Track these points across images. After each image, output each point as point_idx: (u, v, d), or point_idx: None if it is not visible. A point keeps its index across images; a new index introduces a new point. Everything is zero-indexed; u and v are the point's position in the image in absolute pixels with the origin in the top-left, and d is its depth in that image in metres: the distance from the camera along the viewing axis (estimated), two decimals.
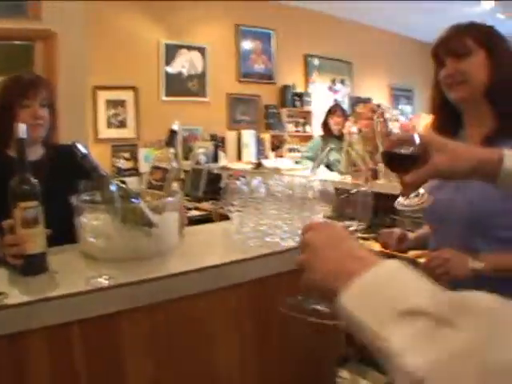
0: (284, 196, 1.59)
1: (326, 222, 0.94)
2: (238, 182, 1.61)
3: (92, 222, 1.30)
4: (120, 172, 6.16)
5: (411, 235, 1.96)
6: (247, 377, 1.48)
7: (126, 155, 6.38)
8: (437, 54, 1.67)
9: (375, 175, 3.58)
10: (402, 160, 1.15)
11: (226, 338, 1.43)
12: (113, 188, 1.31)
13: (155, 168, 1.60)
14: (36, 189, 1.31)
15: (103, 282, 1.23)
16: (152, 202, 1.47)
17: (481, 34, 1.60)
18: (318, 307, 0.97)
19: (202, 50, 7.06)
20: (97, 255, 1.36)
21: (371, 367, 3.83)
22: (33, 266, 1.32)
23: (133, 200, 1.40)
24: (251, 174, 1.68)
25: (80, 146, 1.43)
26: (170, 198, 1.50)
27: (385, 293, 0.65)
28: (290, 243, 1.53)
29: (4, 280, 1.31)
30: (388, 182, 3.38)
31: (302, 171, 4.50)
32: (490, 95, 1.58)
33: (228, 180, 1.61)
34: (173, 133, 1.65)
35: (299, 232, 1.60)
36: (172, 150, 1.65)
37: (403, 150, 1.14)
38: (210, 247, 1.56)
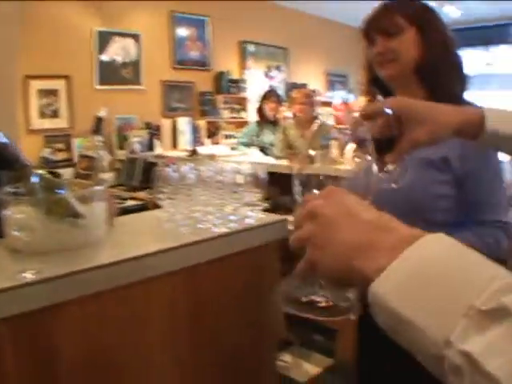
0: (214, 182, 1.57)
1: (337, 188, 0.71)
2: (168, 169, 1.58)
3: (15, 215, 1.26)
4: (52, 163, 5.99)
5: None
6: (181, 363, 1.46)
7: (60, 146, 6.20)
8: (367, 33, 1.65)
9: (311, 159, 3.61)
10: (389, 143, 1.09)
11: (160, 326, 1.41)
12: (35, 179, 1.26)
13: (82, 157, 1.56)
14: None
15: (29, 276, 1.19)
16: (78, 191, 1.43)
17: (412, 11, 1.58)
18: (318, 298, 0.73)
19: (136, 38, 6.93)
20: (22, 249, 1.31)
21: (313, 350, 3.88)
22: None
23: (57, 191, 1.35)
24: (186, 162, 1.66)
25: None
26: (97, 187, 1.46)
27: (446, 282, 0.48)
28: (222, 229, 1.52)
29: None
30: (324, 166, 3.41)
31: (237, 157, 4.50)
32: (421, 73, 1.58)
33: (158, 168, 1.58)
34: (99, 120, 1.61)
35: (231, 217, 1.60)
36: (100, 138, 1.60)
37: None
38: (140, 236, 1.53)
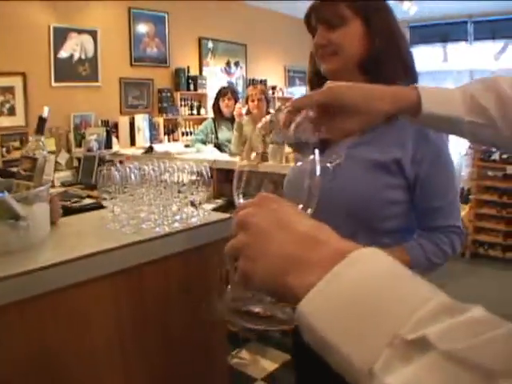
0: (159, 181, 1.58)
1: (268, 195, 0.67)
2: (112, 169, 1.59)
3: None
4: (8, 162, 5.88)
5: None
6: (126, 362, 1.47)
7: (16, 144, 6.10)
8: (309, 23, 1.50)
9: (264, 156, 3.62)
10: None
11: (104, 327, 1.41)
12: None
13: (24, 158, 1.54)
14: None
15: None
16: (19, 193, 1.42)
17: (357, 1, 1.42)
18: (256, 309, 0.69)
19: (93, 34, 6.83)
20: None
21: (270, 346, 3.91)
22: None
23: None
24: (141, 159, 1.65)
25: None
26: (38, 189, 1.46)
27: (373, 305, 0.46)
28: (166, 229, 1.53)
29: None
30: (278, 163, 3.43)
31: (191, 154, 4.49)
32: (365, 67, 1.44)
33: (102, 167, 1.58)
34: (41, 120, 1.60)
35: (175, 217, 1.61)
36: (42, 138, 1.60)
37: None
38: (83, 237, 1.53)
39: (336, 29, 1.41)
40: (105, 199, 1.58)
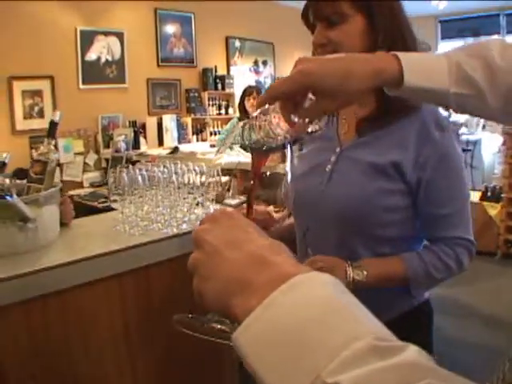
0: (169, 183, 1.60)
1: (226, 210, 0.68)
2: (124, 171, 1.61)
3: None
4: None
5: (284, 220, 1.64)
6: (136, 361, 1.50)
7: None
8: (307, 20, 1.38)
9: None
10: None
11: (111, 326, 1.44)
12: None
13: (35, 161, 1.58)
14: None
15: None
16: (29, 196, 1.46)
17: None
18: (217, 326, 0.70)
19: (119, 36, 6.92)
20: None
21: None
22: None
23: (6, 196, 1.38)
24: (166, 160, 1.67)
25: None
26: (48, 191, 1.49)
27: (301, 340, 0.44)
28: (174, 231, 1.55)
29: None
30: None
31: (216, 154, 4.52)
32: None
33: (113, 170, 1.61)
34: (53, 124, 1.63)
35: (184, 219, 1.63)
36: (53, 142, 1.63)
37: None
38: (93, 238, 1.56)
39: (335, 26, 1.28)
40: (115, 201, 1.61)
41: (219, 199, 1.69)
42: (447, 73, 0.89)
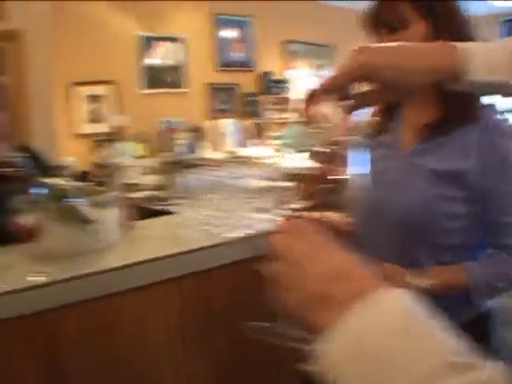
0: (230, 187, 1.59)
1: (302, 220, 0.70)
2: (186, 175, 1.62)
3: (29, 222, 1.31)
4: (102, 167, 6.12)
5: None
6: (192, 364, 1.49)
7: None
8: (369, 25, 1.35)
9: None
10: None
11: (167, 330, 1.44)
12: (44, 188, 1.31)
13: (98, 165, 1.60)
14: None
15: (40, 278, 1.24)
16: (90, 198, 1.47)
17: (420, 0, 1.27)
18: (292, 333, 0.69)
19: (179, 41, 7.01)
20: (36, 254, 1.37)
21: None
22: None
23: (68, 199, 1.40)
24: (225, 164, 1.66)
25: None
26: (109, 194, 1.51)
27: (383, 357, 0.45)
28: (234, 235, 1.54)
29: None
30: None
31: (276, 158, 4.49)
32: None
33: (173, 173, 1.61)
34: (115, 128, 1.65)
35: (245, 223, 1.61)
36: (115, 146, 1.65)
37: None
38: (154, 241, 1.57)
39: (397, 32, 1.26)
40: (174, 204, 1.61)
41: (282, 204, 1.66)
42: (508, 64, 0.85)
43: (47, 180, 1.42)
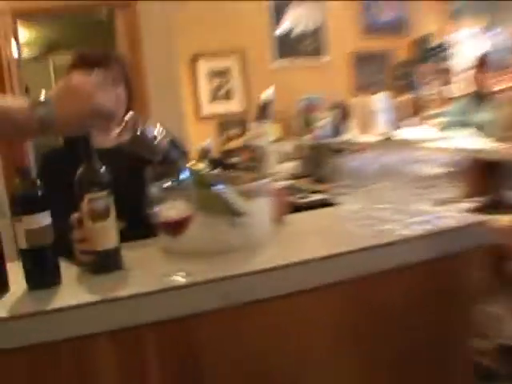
0: (401, 174, 1.56)
1: None
2: (347, 160, 1.60)
3: (168, 213, 1.33)
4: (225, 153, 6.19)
5: None
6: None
7: (235, 132, 6.31)
8: None
9: None
10: None
11: (323, 340, 1.43)
12: (186, 174, 1.31)
13: (244, 147, 1.62)
14: (104, 178, 1.37)
15: (179, 279, 1.28)
16: (239, 186, 1.49)
17: None
18: None
19: (317, 3, 6.97)
20: (175, 250, 1.41)
21: None
22: (105, 263, 1.40)
23: (214, 187, 1.42)
24: (377, 149, 1.64)
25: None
26: (260, 182, 1.52)
27: None
28: (407, 232, 1.50)
29: (73, 279, 1.39)
30: None
31: (441, 141, 4.34)
32: None
33: (335, 158, 1.60)
34: (264, 104, 1.66)
35: (419, 218, 1.57)
36: (265, 125, 1.66)
37: None
38: (310, 238, 1.57)
39: None
40: (337, 195, 1.60)
41: (463, 197, 1.61)
42: None
43: (190, 166, 1.45)
